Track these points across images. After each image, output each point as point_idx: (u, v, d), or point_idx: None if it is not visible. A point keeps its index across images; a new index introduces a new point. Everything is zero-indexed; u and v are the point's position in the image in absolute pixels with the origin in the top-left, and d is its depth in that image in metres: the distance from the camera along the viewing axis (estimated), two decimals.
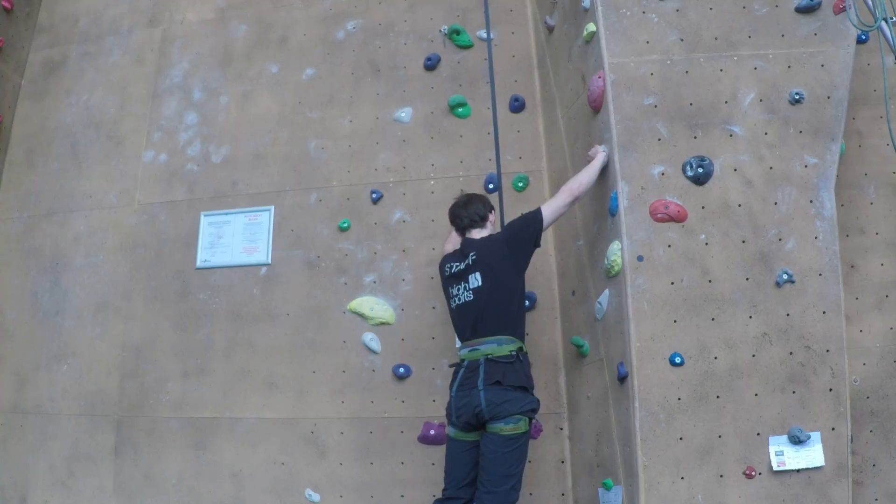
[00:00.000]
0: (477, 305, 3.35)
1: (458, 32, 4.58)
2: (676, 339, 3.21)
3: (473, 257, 3.41)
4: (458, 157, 4.41)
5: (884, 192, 3.93)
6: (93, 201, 4.87)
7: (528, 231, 3.39)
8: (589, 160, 3.54)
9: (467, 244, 3.50)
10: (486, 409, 3.22)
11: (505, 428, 3.20)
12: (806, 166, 3.33)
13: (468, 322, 3.39)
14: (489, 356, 3.27)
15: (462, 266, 3.45)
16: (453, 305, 3.49)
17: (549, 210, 3.41)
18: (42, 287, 4.78)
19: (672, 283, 3.26)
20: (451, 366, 3.49)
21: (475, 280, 3.37)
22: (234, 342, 4.39)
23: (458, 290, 3.44)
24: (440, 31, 4.63)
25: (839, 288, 3.22)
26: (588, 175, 3.44)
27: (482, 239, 3.51)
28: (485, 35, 4.56)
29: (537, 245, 3.43)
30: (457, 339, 3.56)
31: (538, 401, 3.35)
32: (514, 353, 3.28)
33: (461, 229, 3.60)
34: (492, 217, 3.62)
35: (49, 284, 4.77)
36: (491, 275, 3.34)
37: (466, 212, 3.57)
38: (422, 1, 4.72)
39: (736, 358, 3.18)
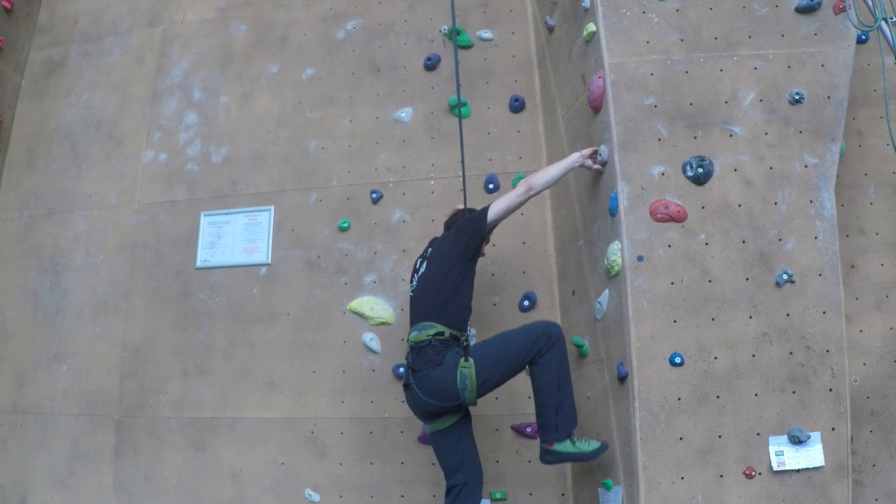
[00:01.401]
0: (417, 293, 3.49)
1: (458, 32, 4.58)
2: (676, 339, 3.21)
3: (430, 250, 3.60)
4: (458, 157, 4.39)
5: (884, 192, 3.93)
6: (93, 201, 4.87)
7: (472, 224, 3.44)
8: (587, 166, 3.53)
9: (430, 243, 3.70)
10: (434, 407, 3.30)
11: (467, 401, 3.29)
12: (806, 166, 3.33)
13: (413, 311, 3.50)
14: (413, 344, 3.36)
15: (420, 260, 3.63)
16: (410, 297, 3.61)
17: (499, 205, 3.40)
18: (42, 287, 4.78)
19: (672, 283, 3.26)
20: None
21: (423, 268, 3.51)
22: (234, 342, 4.39)
23: (413, 281, 3.58)
24: (440, 31, 4.63)
25: (839, 288, 3.22)
26: (551, 173, 3.44)
27: (441, 235, 3.69)
28: (486, 35, 4.57)
29: (484, 238, 3.45)
30: None
31: (459, 347, 3.31)
32: (429, 337, 3.30)
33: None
34: None
35: (49, 284, 4.77)
36: (434, 262, 3.47)
37: (449, 220, 3.79)
38: (422, 1, 4.72)
39: (736, 358, 3.18)
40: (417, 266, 3.61)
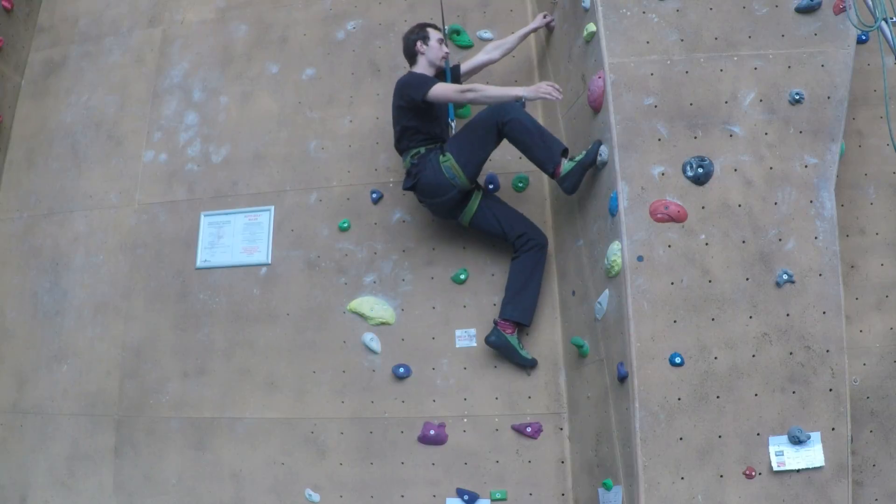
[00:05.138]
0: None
1: (458, 32, 4.58)
2: (676, 339, 3.21)
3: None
4: None
5: (884, 192, 3.94)
6: (93, 201, 4.87)
7: (412, 91, 3.81)
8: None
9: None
10: (442, 203, 3.89)
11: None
12: (806, 166, 3.33)
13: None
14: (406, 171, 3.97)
15: None
16: None
17: (442, 93, 3.76)
18: (42, 287, 4.78)
19: (672, 283, 3.26)
20: None
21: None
22: (234, 342, 4.39)
23: None
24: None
25: (839, 288, 3.22)
26: (493, 93, 3.75)
27: (399, 79, 3.98)
28: (486, 35, 4.57)
29: (420, 102, 3.79)
30: None
31: (436, 149, 3.85)
32: (409, 161, 3.89)
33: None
34: (420, 47, 4.01)
35: (49, 284, 4.77)
36: (393, 102, 3.96)
37: (403, 52, 4.12)
38: (422, 1, 4.71)
39: (736, 358, 3.18)
40: None
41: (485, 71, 4.45)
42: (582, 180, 3.60)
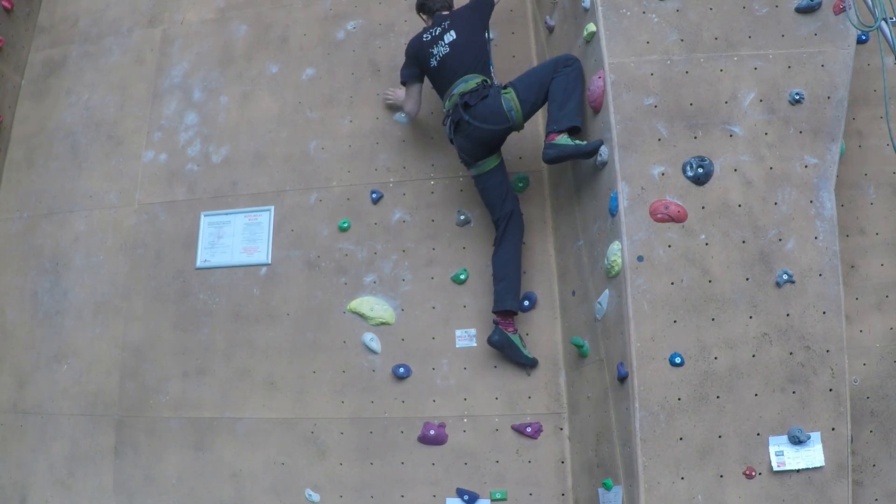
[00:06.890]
0: (451, 57, 4.02)
1: None
2: (676, 339, 3.21)
3: (447, 22, 4.10)
4: (458, 157, 4.41)
5: (884, 192, 3.94)
6: (93, 201, 4.87)
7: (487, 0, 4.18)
8: None
9: (438, 17, 4.20)
10: (488, 134, 3.90)
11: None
12: (806, 166, 3.33)
13: (446, 72, 4.04)
14: (462, 92, 3.93)
15: (438, 30, 4.11)
16: (434, 64, 4.08)
17: None
18: (42, 287, 4.78)
19: (672, 283, 3.26)
20: (443, 123, 4.11)
21: (450, 36, 4.04)
22: (234, 342, 4.39)
23: (437, 48, 4.07)
24: None
25: (839, 288, 3.22)
26: None
27: (452, 11, 4.24)
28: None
29: (492, 4, 4.20)
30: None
31: (498, 85, 3.96)
32: (477, 84, 3.93)
33: (433, 13, 4.28)
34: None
35: (49, 284, 4.77)
36: (463, 30, 4.05)
37: (434, 2, 4.28)
38: None
39: (736, 358, 3.18)
40: (438, 35, 4.09)
41: None
42: (565, 160, 3.69)
